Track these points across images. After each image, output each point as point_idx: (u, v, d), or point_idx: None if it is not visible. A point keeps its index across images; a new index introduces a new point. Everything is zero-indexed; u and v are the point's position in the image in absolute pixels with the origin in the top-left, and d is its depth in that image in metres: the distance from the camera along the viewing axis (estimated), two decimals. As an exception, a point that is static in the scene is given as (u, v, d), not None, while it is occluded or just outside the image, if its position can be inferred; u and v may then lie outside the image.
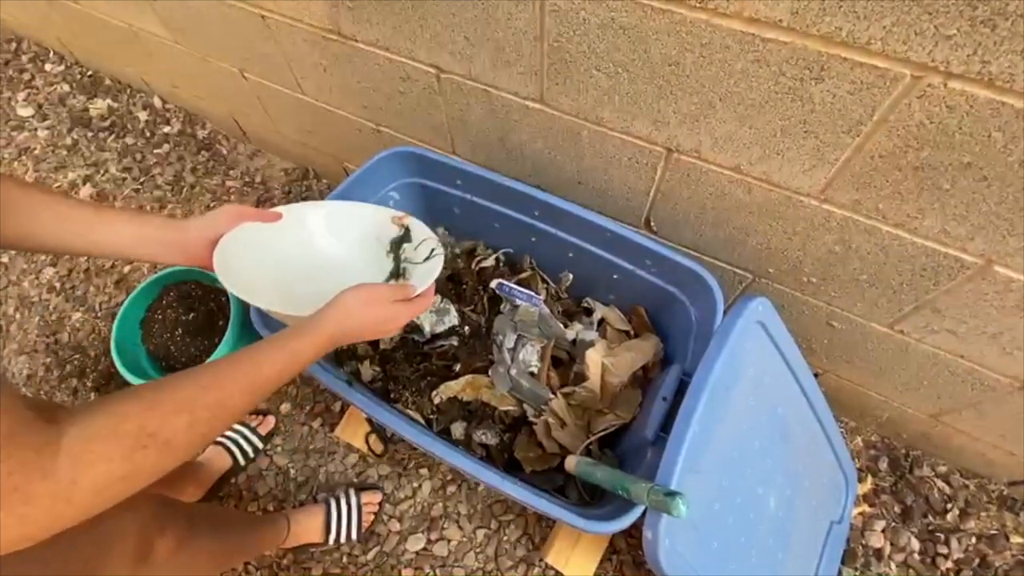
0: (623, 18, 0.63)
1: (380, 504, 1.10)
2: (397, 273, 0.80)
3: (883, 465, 1.09)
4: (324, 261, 0.77)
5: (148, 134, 1.71)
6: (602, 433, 0.83)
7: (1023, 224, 0.59)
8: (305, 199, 1.55)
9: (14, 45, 1.98)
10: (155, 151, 1.67)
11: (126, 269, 1.47)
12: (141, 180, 1.61)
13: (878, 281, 0.78)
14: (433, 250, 0.77)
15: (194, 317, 1.20)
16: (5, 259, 1.52)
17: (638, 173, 0.84)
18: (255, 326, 0.77)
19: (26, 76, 1.90)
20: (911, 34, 0.49)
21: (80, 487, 0.34)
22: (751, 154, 0.70)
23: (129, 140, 1.70)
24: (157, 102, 1.74)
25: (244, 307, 1.14)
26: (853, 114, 0.58)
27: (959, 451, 1.02)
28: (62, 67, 1.90)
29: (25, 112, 1.80)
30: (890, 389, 0.98)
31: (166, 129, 1.72)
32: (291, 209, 0.75)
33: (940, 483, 1.06)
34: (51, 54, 1.94)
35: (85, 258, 1.50)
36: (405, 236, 0.80)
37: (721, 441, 0.72)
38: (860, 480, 1.08)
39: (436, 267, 0.73)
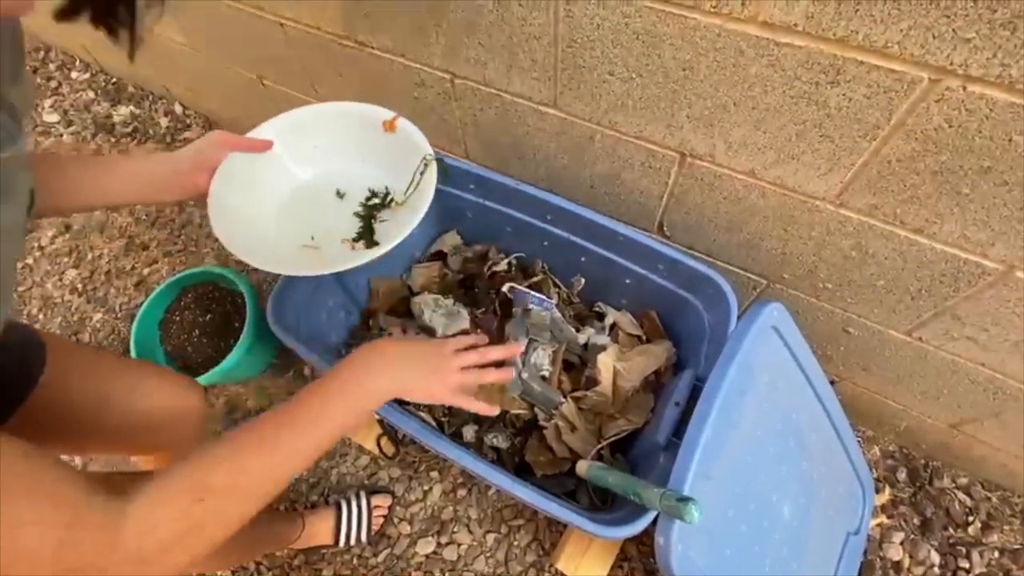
0: (636, 24, 0.64)
1: (390, 508, 1.11)
2: (368, 232, 0.72)
3: (902, 475, 1.07)
4: (310, 190, 0.72)
5: (169, 139, 1.75)
6: (614, 438, 0.82)
7: (1046, 229, 0.58)
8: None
9: (42, 53, 2.04)
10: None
11: (145, 271, 1.50)
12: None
13: (896, 287, 0.76)
14: (425, 167, 0.70)
15: (211, 318, 1.22)
16: (30, 260, 1.57)
17: (651, 177, 0.84)
18: (272, 329, 0.78)
19: (53, 83, 1.96)
20: (929, 37, 0.49)
21: (149, 550, 0.36)
22: (766, 158, 0.70)
23: (151, 145, 1.74)
24: (178, 108, 1.78)
25: (260, 310, 1.16)
26: (870, 118, 0.58)
27: (980, 462, 1.00)
28: (87, 75, 1.95)
29: (51, 118, 1.86)
30: (908, 397, 0.96)
31: (187, 134, 1.75)
32: (275, 130, 0.70)
33: (961, 495, 1.04)
34: (77, 62, 1.99)
35: (107, 257, 1.53)
36: (383, 200, 0.74)
37: (734, 447, 0.71)
38: (878, 490, 1.06)
39: (428, 189, 0.67)
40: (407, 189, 0.72)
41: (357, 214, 0.74)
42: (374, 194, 0.75)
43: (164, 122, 1.77)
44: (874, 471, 1.08)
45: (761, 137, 0.67)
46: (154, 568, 0.36)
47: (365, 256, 0.64)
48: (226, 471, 0.41)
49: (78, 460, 1.19)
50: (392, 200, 0.75)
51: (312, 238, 0.70)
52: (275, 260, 0.63)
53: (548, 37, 0.72)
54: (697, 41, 0.61)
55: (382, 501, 1.10)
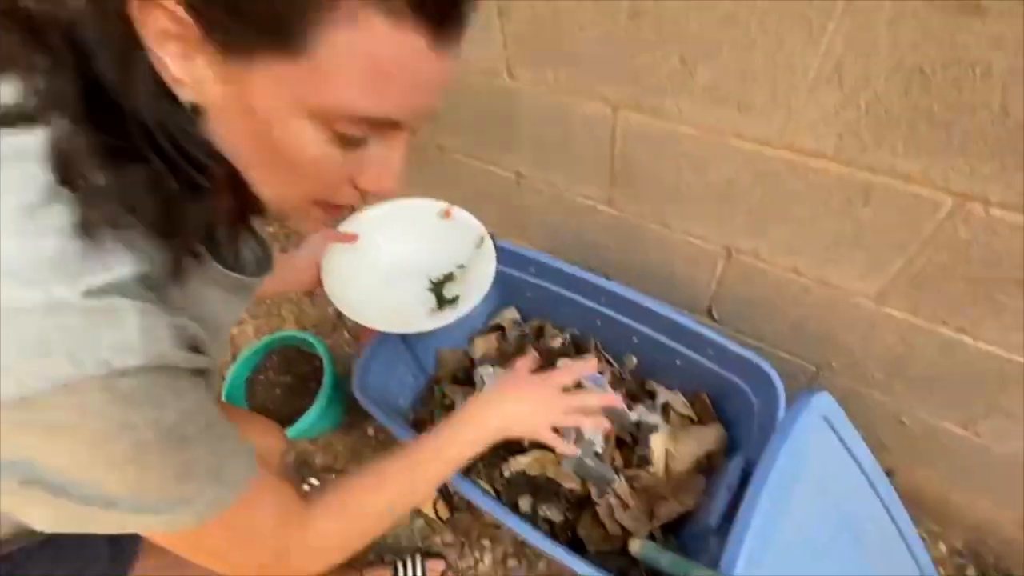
0: (684, 143, 0.74)
1: (443, 573, 1.14)
2: (440, 302, 0.84)
3: (970, 574, 1.02)
4: (392, 269, 0.86)
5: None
6: (667, 519, 0.85)
7: (1091, 335, 0.61)
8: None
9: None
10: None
11: (234, 331, 1.68)
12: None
13: (945, 381, 0.79)
14: (482, 243, 0.82)
15: (291, 379, 1.35)
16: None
17: (699, 268, 0.92)
18: (357, 397, 0.88)
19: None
20: (949, 170, 0.56)
21: (321, 549, 0.49)
22: (806, 260, 0.76)
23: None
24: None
25: (335, 373, 1.28)
26: (901, 233, 0.64)
27: (1061, 568, 0.94)
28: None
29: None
30: (972, 492, 0.94)
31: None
32: (357, 223, 0.85)
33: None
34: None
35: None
36: (448, 277, 0.86)
37: (787, 536, 0.72)
38: (947, 591, 1.01)
39: (487, 261, 0.79)
40: (466, 265, 0.84)
41: (430, 288, 0.86)
42: (443, 275, 0.88)
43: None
44: (941, 570, 1.03)
45: (801, 242, 0.74)
46: (321, 563, 0.49)
47: (442, 320, 0.78)
48: (376, 490, 0.53)
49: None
50: (453, 276, 0.87)
51: (406, 313, 0.83)
52: (380, 320, 0.76)
53: (606, 150, 0.84)
54: (738, 161, 0.70)
55: (436, 565, 1.14)
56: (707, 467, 0.91)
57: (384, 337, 0.97)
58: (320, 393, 1.22)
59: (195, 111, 0.32)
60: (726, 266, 0.88)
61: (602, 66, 0.72)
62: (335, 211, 0.41)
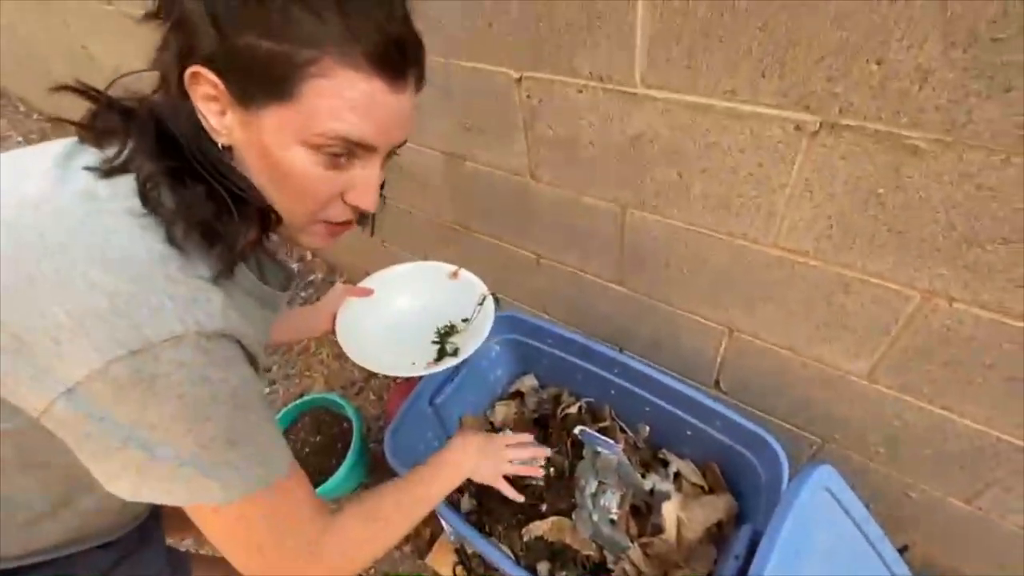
0: (683, 237, 0.84)
1: None
2: (443, 353, 0.91)
3: (999, 661, 1.00)
4: (404, 320, 0.94)
5: (297, 282, 2.13)
6: (679, 586, 0.88)
7: (1065, 417, 0.67)
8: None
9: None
10: (301, 294, 2.07)
11: (266, 391, 1.77)
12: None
13: (942, 457, 0.83)
14: (483, 301, 0.91)
15: (320, 440, 1.42)
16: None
17: (705, 343, 1.00)
18: (390, 461, 0.95)
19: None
20: (911, 270, 0.65)
21: (342, 556, 0.55)
22: (801, 339, 0.84)
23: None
24: (308, 254, 2.20)
25: (362, 436, 1.35)
26: (880, 319, 0.72)
27: (1088, 654, 0.93)
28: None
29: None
30: (984, 567, 0.95)
31: (310, 277, 2.14)
32: (374, 281, 0.95)
33: None
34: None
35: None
36: (451, 329, 0.94)
37: (796, 607, 0.75)
38: (974, 676, 0.99)
39: (484, 323, 0.86)
40: (470, 319, 0.94)
41: (434, 341, 0.95)
42: (446, 326, 0.97)
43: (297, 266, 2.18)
44: (967, 653, 1.01)
45: (794, 324, 0.82)
46: (349, 566, 0.55)
47: (439, 367, 0.86)
48: (385, 508, 0.62)
49: None
50: (457, 329, 0.95)
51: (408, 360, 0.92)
52: (384, 365, 0.85)
53: (615, 240, 0.95)
54: (732, 253, 0.80)
55: None
56: (718, 536, 0.94)
57: (412, 403, 1.05)
58: (349, 453, 1.29)
59: (228, 150, 0.46)
60: (729, 343, 0.95)
61: (611, 175, 0.84)
62: (335, 229, 0.53)
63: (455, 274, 0.98)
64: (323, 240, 0.54)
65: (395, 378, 1.71)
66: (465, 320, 0.94)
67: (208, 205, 0.44)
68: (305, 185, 0.46)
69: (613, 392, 1.13)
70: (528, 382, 1.29)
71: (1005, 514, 0.84)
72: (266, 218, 0.49)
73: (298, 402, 1.45)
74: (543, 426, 1.21)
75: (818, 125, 0.60)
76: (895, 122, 0.56)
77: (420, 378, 1.10)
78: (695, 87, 0.66)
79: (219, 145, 0.45)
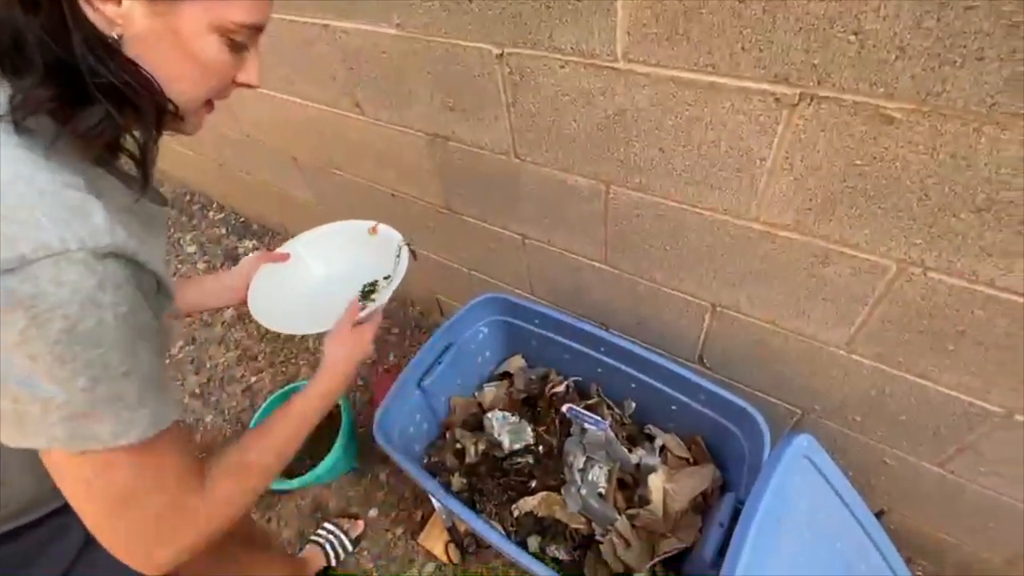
0: (666, 214, 0.85)
1: None
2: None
3: (969, 616, 1.05)
4: (324, 282, 0.94)
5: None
6: (666, 555, 0.90)
7: (1033, 381, 0.69)
8: (402, 324, 1.82)
9: (187, 196, 2.56)
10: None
11: (252, 379, 1.76)
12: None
13: (917, 423, 0.86)
14: (400, 252, 0.91)
15: (309, 426, 1.42)
16: (160, 368, 1.87)
17: (688, 320, 1.01)
18: (379, 444, 0.95)
19: (193, 221, 2.44)
20: (887, 239, 0.66)
21: (215, 509, 0.52)
22: (782, 312, 0.86)
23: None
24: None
25: (351, 421, 1.35)
26: (858, 290, 0.74)
27: (1051, 606, 0.98)
28: (222, 214, 2.43)
29: (190, 249, 2.30)
30: (958, 530, 0.99)
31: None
32: (292, 245, 0.94)
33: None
34: (214, 204, 2.48)
35: (221, 366, 1.82)
36: (374, 286, 0.92)
37: (778, 571, 0.78)
38: (946, 631, 1.04)
39: (399, 274, 0.86)
40: (391, 275, 0.92)
41: (360, 299, 0.92)
42: (368, 284, 0.95)
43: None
44: (939, 610, 1.06)
45: (775, 297, 0.84)
46: (217, 520, 0.51)
47: (365, 311, 0.84)
48: (267, 450, 0.59)
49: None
50: (379, 286, 0.94)
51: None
52: (308, 326, 0.83)
53: (599, 218, 0.95)
54: (715, 230, 0.81)
55: None
56: (703, 505, 0.97)
57: (400, 387, 1.05)
58: (338, 439, 1.29)
59: (119, 41, 0.43)
60: (712, 318, 0.97)
61: (594, 152, 0.84)
62: (212, 108, 0.53)
63: (374, 229, 0.97)
64: (202, 121, 0.53)
65: (382, 364, 1.72)
66: (387, 277, 0.93)
67: (95, 110, 0.42)
68: (214, 70, 0.48)
69: (600, 370, 1.14)
70: (516, 363, 1.30)
71: (975, 477, 0.87)
72: (162, 111, 0.47)
73: (283, 390, 1.44)
74: (532, 405, 1.22)
75: (797, 97, 0.61)
76: (872, 93, 0.56)
77: (407, 363, 1.10)
78: (676, 61, 0.66)
79: (107, 38, 0.42)
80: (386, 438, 0.95)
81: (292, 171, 1.60)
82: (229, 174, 2.00)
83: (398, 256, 0.93)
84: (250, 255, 0.92)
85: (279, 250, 0.95)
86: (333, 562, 1.28)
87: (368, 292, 0.94)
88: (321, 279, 0.96)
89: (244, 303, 0.87)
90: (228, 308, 1.96)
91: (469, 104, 0.94)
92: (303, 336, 1.84)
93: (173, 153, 2.23)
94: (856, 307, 0.76)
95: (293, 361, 1.80)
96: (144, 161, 0.49)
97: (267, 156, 1.64)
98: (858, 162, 0.61)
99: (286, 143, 1.51)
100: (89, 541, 0.51)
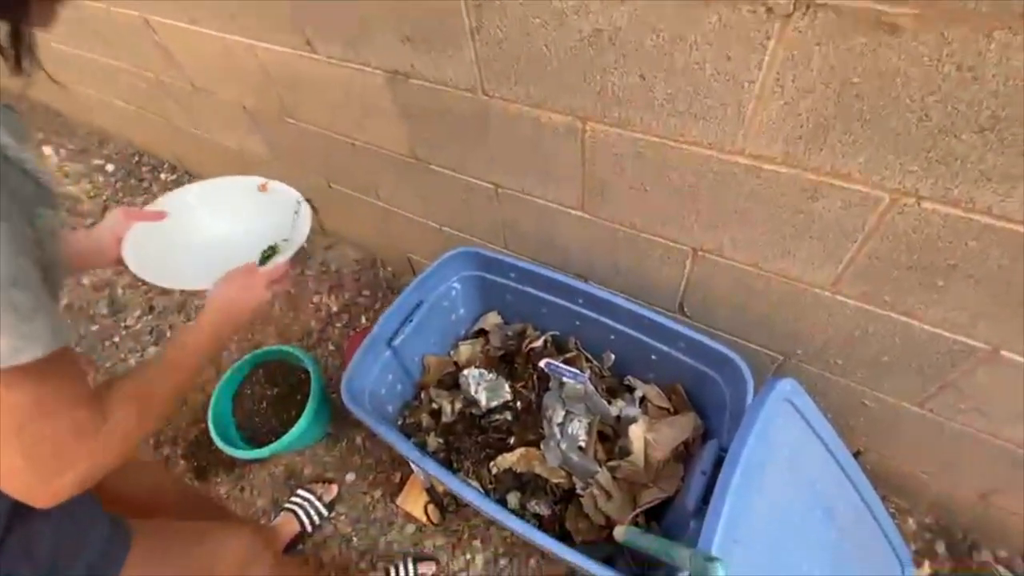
0: (647, 152, 0.79)
1: (435, 575, 1.16)
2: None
3: (940, 549, 1.08)
4: (217, 240, 0.89)
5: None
6: (647, 505, 0.89)
7: (1021, 315, 0.67)
8: (374, 286, 1.75)
9: (136, 158, 2.39)
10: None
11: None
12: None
13: (900, 363, 0.84)
14: (298, 210, 0.87)
15: (277, 392, 1.36)
16: (116, 338, 1.77)
17: (669, 266, 0.97)
18: (348, 406, 0.90)
19: (144, 183, 2.28)
20: (882, 168, 0.62)
21: (119, 431, 0.52)
22: (766, 253, 0.82)
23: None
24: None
25: (322, 384, 1.30)
26: (848, 225, 0.70)
27: (1015, 534, 1.01)
28: (175, 176, 2.27)
29: (142, 214, 2.15)
30: (934, 467, 1.00)
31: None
32: (170, 202, 0.87)
33: (1003, 570, 1.04)
34: (165, 165, 2.32)
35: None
36: (273, 251, 0.89)
37: (761, 514, 0.77)
38: (917, 564, 1.06)
39: (302, 229, 0.82)
40: (290, 236, 0.88)
41: (259, 263, 0.87)
42: (267, 250, 0.90)
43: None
44: (912, 544, 1.09)
45: (760, 237, 0.80)
46: (117, 447, 0.52)
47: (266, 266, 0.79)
48: (165, 377, 0.60)
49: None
50: (278, 249, 0.89)
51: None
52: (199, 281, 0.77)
53: (576, 160, 0.89)
54: (697, 167, 0.76)
55: (427, 568, 1.16)
56: (684, 454, 0.95)
57: (369, 346, 1.00)
58: (308, 404, 1.23)
59: None
60: (693, 264, 0.93)
61: (568, 82, 0.77)
62: None
63: (264, 187, 0.92)
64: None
65: (353, 328, 1.65)
66: (285, 240, 0.87)
67: None
68: None
69: (578, 323, 1.10)
70: (492, 319, 1.25)
71: (954, 415, 0.87)
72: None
73: (251, 355, 1.37)
74: (509, 362, 1.18)
75: (792, 6, 0.54)
76: (875, -3, 0.50)
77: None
78: (658, -31, 0.59)
79: None
80: (355, 400, 0.90)
81: (243, 122, 1.47)
82: (178, 131, 1.85)
83: (296, 214, 0.88)
84: (115, 210, 0.83)
85: (162, 200, 0.88)
86: (308, 528, 1.25)
87: (267, 257, 0.88)
88: (214, 236, 0.89)
89: (118, 264, 0.79)
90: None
91: (429, 33, 0.84)
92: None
93: (113, 111, 2.05)
94: (845, 244, 0.73)
95: (259, 327, 1.72)
96: (19, 45, 0.47)
97: (216, 108, 1.50)
98: (855, 80, 0.56)
99: (234, 91, 1.38)
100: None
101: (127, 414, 0.53)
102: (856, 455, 1.08)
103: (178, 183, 2.22)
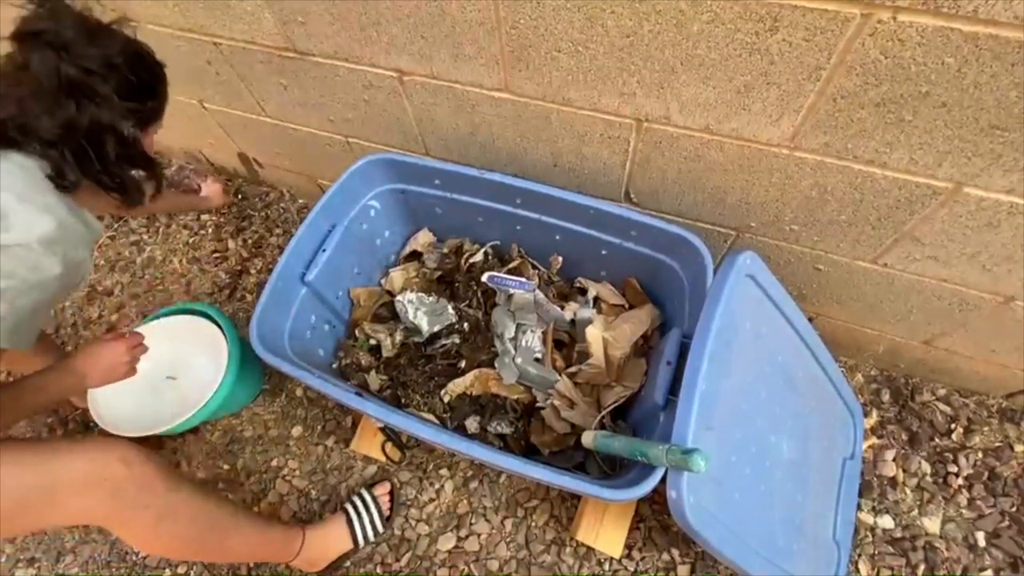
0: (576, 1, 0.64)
1: (392, 492, 1.10)
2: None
3: (885, 397, 1.13)
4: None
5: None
6: (612, 406, 0.84)
7: (986, 143, 0.62)
8: (285, 222, 1.54)
9: None
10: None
11: (114, 317, 1.46)
12: (115, 226, 1.60)
13: (857, 219, 0.80)
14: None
15: (192, 354, 1.19)
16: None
17: (611, 147, 0.85)
18: (258, 353, 0.77)
19: None
20: (856, -26, 0.51)
21: None
22: (718, 113, 0.71)
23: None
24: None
25: (240, 342, 1.14)
26: (811, 60, 0.60)
27: (955, 372, 1.06)
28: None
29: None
30: (882, 322, 1.01)
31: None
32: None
33: (942, 406, 1.10)
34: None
35: (70, 311, 1.48)
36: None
37: (729, 395, 0.73)
38: (866, 414, 1.11)
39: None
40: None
41: None
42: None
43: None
44: (860, 397, 1.13)
45: (711, 93, 0.69)
46: None
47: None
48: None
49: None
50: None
51: None
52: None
53: (490, 22, 0.72)
54: (637, 6, 0.62)
55: (382, 489, 1.10)
56: (645, 348, 0.90)
57: (274, 284, 0.85)
58: (228, 364, 1.08)
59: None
60: (638, 140, 0.82)
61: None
62: None
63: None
64: None
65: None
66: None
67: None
68: None
69: (518, 227, 0.99)
70: (423, 238, 1.12)
71: (907, 266, 0.85)
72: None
73: (152, 316, 1.18)
74: (449, 282, 1.06)
75: None
76: None
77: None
78: None
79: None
80: (267, 346, 0.77)
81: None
82: None
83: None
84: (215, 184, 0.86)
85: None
86: (361, 543, 1.05)
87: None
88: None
89: None
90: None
91: None
92: (166, 258, 1.52)
93: None
94: (806, 86, 0.63)
95: (161, 288, 1.49)
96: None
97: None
98: None
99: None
100: None
101: None
102: (809, 321, 1.07)
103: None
